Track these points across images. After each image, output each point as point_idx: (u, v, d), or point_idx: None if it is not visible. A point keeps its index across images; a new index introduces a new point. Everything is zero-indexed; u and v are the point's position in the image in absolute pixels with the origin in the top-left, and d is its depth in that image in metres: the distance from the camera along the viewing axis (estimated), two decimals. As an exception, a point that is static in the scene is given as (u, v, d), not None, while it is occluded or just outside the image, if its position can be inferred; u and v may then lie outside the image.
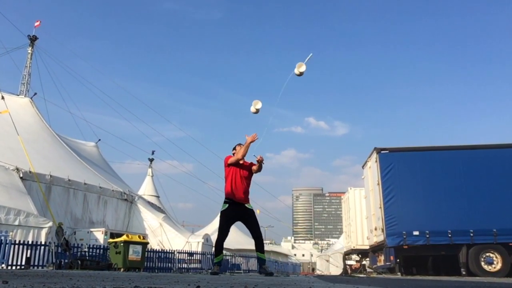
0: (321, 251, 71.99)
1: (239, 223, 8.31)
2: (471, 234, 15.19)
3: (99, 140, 34.19)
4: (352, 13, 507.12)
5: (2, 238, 15.34)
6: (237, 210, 7.93)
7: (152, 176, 38.47)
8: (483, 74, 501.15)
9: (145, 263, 17.60)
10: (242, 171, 8.06)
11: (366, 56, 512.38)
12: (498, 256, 15.05)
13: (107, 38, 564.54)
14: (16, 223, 16.87)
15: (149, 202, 30.00)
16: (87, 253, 17.76)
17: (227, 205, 7.92)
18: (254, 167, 8.12)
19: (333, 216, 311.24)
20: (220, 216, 8.07)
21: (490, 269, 14.94)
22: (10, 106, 24.54)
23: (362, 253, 22.14)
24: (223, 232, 8.01)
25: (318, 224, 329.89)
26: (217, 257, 8.11)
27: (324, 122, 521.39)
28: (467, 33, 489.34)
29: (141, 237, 16.99)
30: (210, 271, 8.88)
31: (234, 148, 8.21)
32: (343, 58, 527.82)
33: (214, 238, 28.33)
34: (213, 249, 8.33)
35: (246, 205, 7.98)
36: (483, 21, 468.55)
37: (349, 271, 23.37)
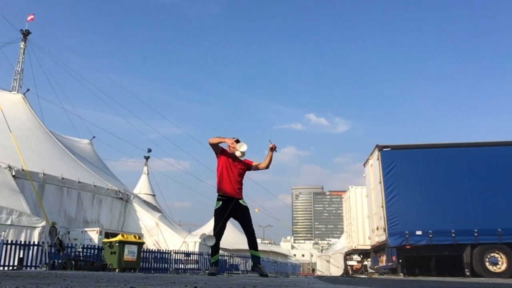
0: (322, 251, 72.03)
1: (237, 223, 8.33)
2: (476, 234, 15.19)
3: (94, 137, 34.22)
4: (354, 6, 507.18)
5: (-6, 238, 15.35)
6: (231, 207, 7.93)
7: (148, 174, 38.47)
8: (489, 69, 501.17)
9: (141, 263, 17.60)
10: (234, 165, 8.04)
11: (368, 50, 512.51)
12: (503, 257, 15.06)
13: (102, 33, 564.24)
14: (9, 222, 16.86)
15: (144, 201, 29.99)
16: (81, 253, 17.77)
17: (220, 202, 7.94)
18: (262, 164, 8.11)
19: (334, 215, 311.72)
20: (215, 215, 8.08)
21: (495, 269, 14.95)
22: (2, 102, 24.56)
23: (364, 253, 22.16)
24: (218, 230, 8.03)
25: (318, 224, 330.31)
26: (213, 257, 8.12)
27: (324, 119, 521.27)
28: (473, 26, 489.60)
29: (137, 237, 17.00)
30: (207, 272, 8.89)
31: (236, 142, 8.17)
32: (344, 52, 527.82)
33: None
34: (210, 249, 8.33)
35: (240, 201, 7.99)
36: (490, 14, 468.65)
37: (350, 271, 23.38)
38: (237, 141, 7.92)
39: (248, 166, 8.16)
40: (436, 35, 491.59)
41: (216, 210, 8.01)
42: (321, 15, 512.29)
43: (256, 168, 8.20)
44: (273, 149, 8.00)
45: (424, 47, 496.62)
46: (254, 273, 7.97)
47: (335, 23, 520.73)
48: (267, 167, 8.18)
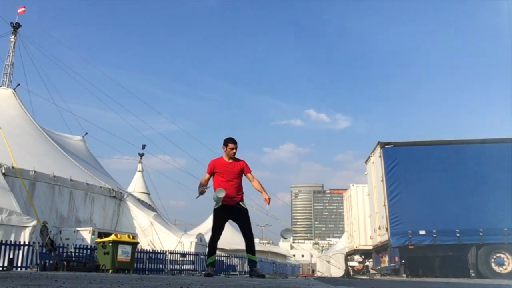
0: (322, 252, 72.19)
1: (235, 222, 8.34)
2: (481, 234, 15.20)
3: (86, 133, 34.15)
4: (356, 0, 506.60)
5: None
6: (230, 208, 7.96)
7: (142, 172, 38.44)
8: (497, 62, 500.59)
9: (135, 264, 17.59)
10: (228, 174, 8.08)
11: (370, 44, 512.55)
12: (510, 257, 15.08)
13: (95, 26, 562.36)
14: (-2, 221, 16.83)
15: (139, 200, 29.98)
16: (73, 254, 17.74)
17: (219, 202, 7.95)
18: (253, 183, 8.15)
19: (335, 215, 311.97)
20: (213, 214, 8.13)
21: (501, 270, 14.97)
22: (-9, 97, 24.44)
23: (365, 254, 22.19)
24: (216, 231, 8.07)
25: (318, 223, 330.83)
26: (210, 257, 8.14)
27: (325, 115, 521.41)
28: (480, 18, 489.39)
29: (131, 237, 16.98)
30: (204, 272, 8.91)
31: (225, 145, 8.16)
32: (345, 46, 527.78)
33: (208, 237, 28.19)
34: (207, 249, 8.37)
35: (240, 203, 8.04)
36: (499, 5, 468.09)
37: (351, 272, 23.42)
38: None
39: (242, 172, 8.18)
40: (440, 28, 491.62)
41: (215, 210, 8.07)
42: (322, 6, 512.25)
43: (247, 178, 8.26)
44: (266, 201, 8.04)
45: (430, 38, 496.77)
46: (252, 276, 7.98)
47: (338, 14, 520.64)
48: (254, 187, 8.21)
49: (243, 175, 8.22)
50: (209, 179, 8.13)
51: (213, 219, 8.19)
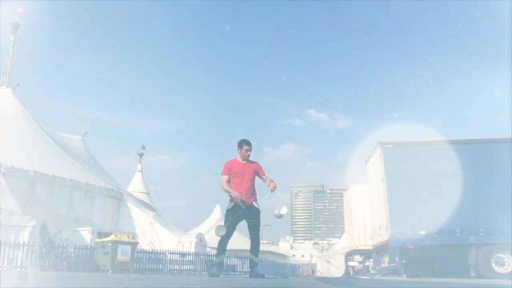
0: (322, 252, 72.17)
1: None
2: (481, 234, 15.21)
3: (86, 133, 34.08)
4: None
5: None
6: (243, 209, 7.96)
7: (142, 172, 38.40)
8: (501, 59, 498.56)
9: (135, 264, 17.60)
10: (243, 175, 8.15)
11: (370, 42, 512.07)
12: (510, 257, 15.08)
13: (94, 25, 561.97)
14: (-3, 221, 16.82)
15: (138, 200, 29.95)
16: (73, 254, 17.74)
17: (233, 203, 7.98)
18: (267, 182, 8.20)
19: (335, 215, 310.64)
20: (226, 215, 8.16)
21: (501, 270, 14.97)
22: (-10, 97, 24.43)
23: (366, 254, 22.18)
24: (228, 231, 8.06)
25: (318, 223, 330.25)
26: (218, 256, 8.16)
27: (325, 114, 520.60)
28: (487, 16, 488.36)
29: (130, 237, 17.02)
30: (209, 272, 8.89)
31: (240, 146, 8.19)
32: (346, 44, 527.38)
33: (208, 237, 28.22)
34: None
35: (253, 203, 8.07)
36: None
37: (351, 272, 23.42)
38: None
39: (257, 174, 8.27)
40: (445, 24, 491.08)
41: (227, 211, 8.17)
42: (322, 3, 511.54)
43: (262, 180, 8.34)
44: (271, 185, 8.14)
45: (432, 36, 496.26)
46: (252, 277, 8.00)
47: (339, 11, 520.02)
48: (266, 184, 8.28)
49: (257, 177, 8.28)
50: (228, 180, 8.13)
51: (225, 219, 8.23)
